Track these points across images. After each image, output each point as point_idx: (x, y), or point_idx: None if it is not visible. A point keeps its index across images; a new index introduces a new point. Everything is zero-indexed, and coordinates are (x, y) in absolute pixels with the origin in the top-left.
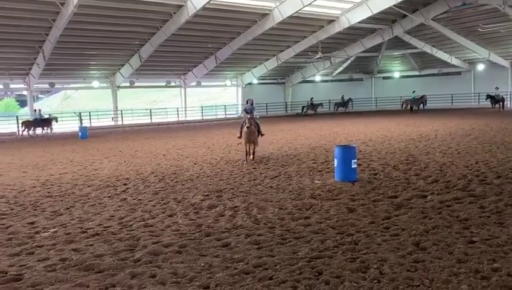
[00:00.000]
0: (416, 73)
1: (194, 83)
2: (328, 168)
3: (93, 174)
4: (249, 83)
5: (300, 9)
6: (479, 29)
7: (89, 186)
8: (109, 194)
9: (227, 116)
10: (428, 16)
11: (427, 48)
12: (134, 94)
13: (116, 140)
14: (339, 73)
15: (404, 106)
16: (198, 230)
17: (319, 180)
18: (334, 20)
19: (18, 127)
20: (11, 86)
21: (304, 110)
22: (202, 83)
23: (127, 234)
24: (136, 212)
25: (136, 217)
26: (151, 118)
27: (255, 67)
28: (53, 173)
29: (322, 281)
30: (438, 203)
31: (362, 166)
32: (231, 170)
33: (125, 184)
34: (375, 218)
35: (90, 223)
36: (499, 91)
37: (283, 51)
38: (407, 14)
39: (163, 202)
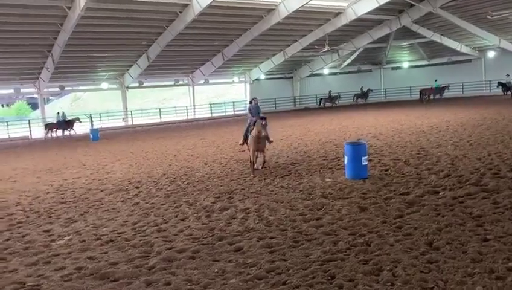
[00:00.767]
0: (426, 62)
1: (202, 81)
2: (338, 165)
3: (106, 178)
4: (257, 79)
5: (306, 3)
6: (488, 16)
7: (102, 190)
8: (122, 199)
9: (235, 112)
10: (436, 4)
11: (436, 37)
12: (143, 94)
13: (127, 141)
14: (347, 65)
15: (427, 95)
16: (210, 234)
17: (329, 178)
18: (341, 13)
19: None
20: (22, 90)
21: (322, 103)
22: (210, 81)
23: (141, 240)
24: (149, 216)
25: (149, 222)
26: (160, 118)
27: (262, 62)
28: (66, 178)
29: (335, 285)
30: (451, 199)
31: (373, 162)
32: (241, 170)
33: (137, 187)
34: (387, 217)
35: (104, 229)
36: (510, 78)
37: (290, 45)
38: (414, 3)
39: (175, 205)
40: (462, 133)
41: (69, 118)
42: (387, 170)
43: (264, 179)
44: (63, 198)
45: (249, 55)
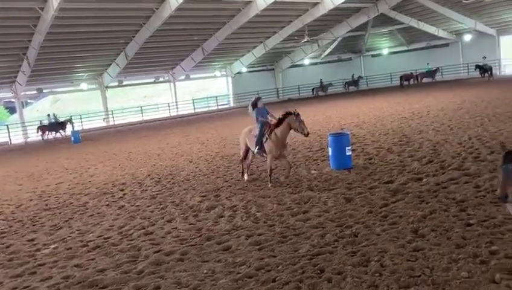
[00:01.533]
0: (405, 48)
1: (182, 77)
2: (323, 156)
3: (90, 182)
4: (238, 72)
5: None
6: (463, 1)
7: (86, 195)
8: (107, 202)
9: (219, 107)
10: None
11: (414, 23)
12: (123, 92)
13: (109, 142)
14: (328, 55)
15: (419, 79)
16: (198, 235)
17: (315, 170)
18: (318, 3)
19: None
20: None
21: (315, 92)
22: (191, 76)
23: (128, 245)
24: (135, 219)
25: (136, 225)
26: (142, 116)
27: (243, 55)
28: (49, 184)
29: (324, 279)
30: (434, 185)
31: (357, 151)
32: (227, 166)
33: (122, 190)
34: (373, 207)
35: (90, 235)
36: (487, 60)
37: (270, 37)
38: None
39: (161, 206)
40: (443, 118)
41: (61, 119)
42: (370, 159)
43: (251, 174)
44: (46, 205)
45: (229, 48)
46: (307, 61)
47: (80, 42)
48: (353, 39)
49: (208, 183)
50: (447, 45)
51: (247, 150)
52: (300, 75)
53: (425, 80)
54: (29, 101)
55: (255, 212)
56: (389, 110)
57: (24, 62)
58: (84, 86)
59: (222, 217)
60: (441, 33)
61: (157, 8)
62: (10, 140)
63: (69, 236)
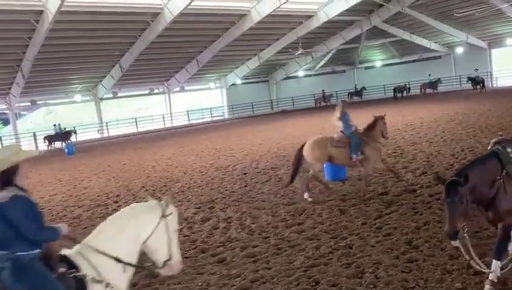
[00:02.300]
0: (398, 60)
1: (177, 88)
2: None
3: (83, 194)
4: (233, 84)
5: (277, 8)
6: (455, 14)
7: (79, 207)
8: (101, 215)
9: (213, 118)
10: (404, 3)
11: (406, 35)
12: (118, 104)
13: (103, 154)
14: (321, 66)
15: (422, 90)
16: (193, 246)
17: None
18: (312, 16)
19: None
20: None
21: (317, 103)
22: (186, 88)
23: None
24: None
25: None
26: (137, 127)
27: (237, 67)
28: (42, 196)
29: None
30: (428, 197)
31: None
32: (222, 177)
33: (116, 202)
34: (367, 218)
35: None
36: (479, 72)
37: (264, 49)
38: (383, 3)
39: None
40: (436, 129)
41: (65, 130)
42: None
43: (245, 185)
44: None
45: (223, 60)
46: (301, 73)
47: (75, 54)
48: (347, 51)
49: (202, 195)
50: (439, 57)
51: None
52: (294, 87)
53: (428, 90)
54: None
55: (250, 224)
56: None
57: (18, 74)
58: (78, 97)
59: (217, 229)
60: (433, 46)
61: (152, 21)
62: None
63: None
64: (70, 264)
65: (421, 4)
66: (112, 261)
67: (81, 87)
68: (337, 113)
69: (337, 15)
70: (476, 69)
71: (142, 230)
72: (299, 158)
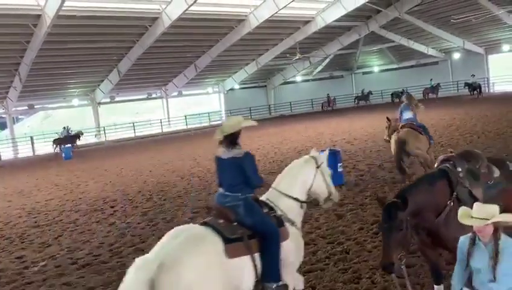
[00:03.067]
0: (395, 66)
1: (175, 93)
2: None
3: (80, 198)
4: (231, 89)
5: (275, 13)
6: (452, 20)
7: (76, 211)
8: (97, 219)
9: (211, 123)
10: (402, 9)
11: (404, 41)
12: (116, 108)
13: (100, 158)
14: (319, 72)
15: (425, 95)
16: None
17: None
18: (310, 21)
19: None
20: None
21: (324, 107)
22: (184, 92)
23: (118, 262)
24: (125, 237)
25: (126, 243)
26: (134, 132)
27: (235, 72)
28: (39, 200)
29: None
30: None
31: (348, 167)
32: None
33: (112, 207)
34: (364, 223)
35: (80, 252)
36: (476, 78)
37: (262, 54)
38: (381, 9)
39: (152, 223)
40: (433, 135)
41: (73, 132)
42: (362, 175)
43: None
44: (35, 222)
45: (221, 65)
46: (298, 78)
47: (73, 58)
48: (344, 57)
49: (199, 200)
50: (436, 63)
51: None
52: (292, 92)
53: (430, 95)
54: (19, 116)
55: None
56: (380, 127)
57: (16, 78)
58: (75, 102)
59: None
60: (431, 51)
61: (150, 26)
62: (0, 156)
63: (58, 253)
64: (268, 206)
65: (419, 10)
66: (293, 202)
67: (79, 92)
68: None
69: (335, 20)
70: (473, 75)
71: (307, 178)
72: (400, 148)
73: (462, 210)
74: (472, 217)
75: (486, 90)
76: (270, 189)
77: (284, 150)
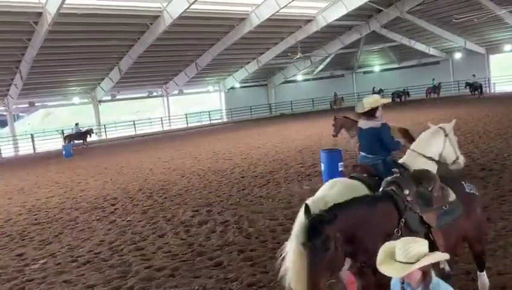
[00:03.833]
0: (396, 65)
1: (176, 92)
2: (316, 171)
3: (80, 196)
4: (232, 87)
5: (276, 12)
6: (453, 20)
7: (76, 209)
8: (98, 217)
9: (211, 122)
10: (403, 9)
11: (405, 40)
12: (116, 106)
13: (101, 156)
14: (320, 71)
15: (428, 95)
16: (190, 250)
17: (307, 185)
18: (311, 20)
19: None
20: None
21: (332, 106)
22: (184, 91)
23: (118, 260)
24: (126, 235)
25: (127, 241)
26: (135, 130)
27: (236, 71)
28: (39, 198)
29: None
30: None
31: (349, 167)
32: (219, 181)
33: (113, 204)
34: None
35: (80, 250)
36: (477, 78)
37: (263, 53)
38: (382, 8)
39: (152, 221)
40: None
41: (83, 129)
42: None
43: (243, 189)
44: (36, 219)
45: (222, 64)
46: (299, 77)
47: (73, 56)
48: (345, 56)
49: (200, 198)
50: (437, 62)
51: None
52: (293, 91)
53: (432, 95)
54: (20, 114)
55: (247, 228)
56: None
57: (17, 76)
58: (76, 99)
59: (214, 232)
60: (432, 51)
61: (151, 24)
62: (1, 154)
63: (59, 251)
64: (403, 167)
65: (420, 10)
66: (427, 161)
67: (80, 90)
68: None
69: (336, 20)
70: (474, 75)
71: (439, 144)
72: None
73: (384, 250)
74: (396, 260)
75: (488, 91)
76: (408, 151)
77: (284, 149)
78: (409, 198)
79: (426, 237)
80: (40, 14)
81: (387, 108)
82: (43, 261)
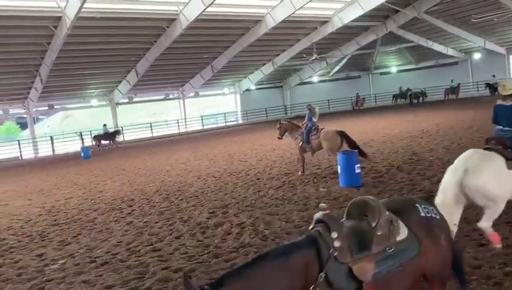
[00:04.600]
0: (413, 66)
1: (192, 94)
2: (332, 173)
3: (99, 197)
4: (247, 89)
5: (292, 13)
6: (472, 20)
7: (94, 210)
8: (115, 218)
9: (227, 123)
10: (420, 9)
11: (422, 41)
12: (133, 108)
13: (118, 158)
14: (336, 72)
15: (446, 96)
16: (206, 251)
17: (323, 187)
18: (327, 21)
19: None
20: (11, 111)
21: (353, 107)
22: (200, 93)
23: (136, 261)
24: (143, 236)
25: (144, 242)
26: (152, 132)
27: (251, 73)
28: (58, 199)
29: None
30: None
31: (366, 169)
32: (235, 183)
33: (130, 206)
34: None
35: (99, 251)
36: (497, 78)
37: (278, 55)
38: (399, 9)
39: (169, 222)
40: (453, 136)
41: (111, 130)
42: (380, 176)
43: (259, 191)
44: (55, 220)
45: (238, 66)
46: (315, 79)
47: (92, 60)
48: (362, 57)
49: (215, 200)
50: (456, 63)
51: None
52: (308, 93)
53: (450, 96)
54: (40, 117)
55: (263, 230)
56: (398, 127)
57: (37, 79)
58: (94, 102)
59: (230, 234)
60: (450, 51)
61: (167, 27)
62: (21, 155)
63: (77, 252)
64: None
65: (438, 10)
66: None
67: (98, 92)
68: None
69: (352, 20)
70: (494, 75)
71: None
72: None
73: None
74: None
75: None
76: None
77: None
78: (336, 243)
79: None
80: (59, 18)
81: (406, 109)
82: (62, 261)
